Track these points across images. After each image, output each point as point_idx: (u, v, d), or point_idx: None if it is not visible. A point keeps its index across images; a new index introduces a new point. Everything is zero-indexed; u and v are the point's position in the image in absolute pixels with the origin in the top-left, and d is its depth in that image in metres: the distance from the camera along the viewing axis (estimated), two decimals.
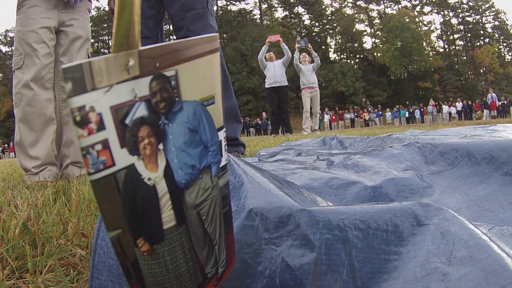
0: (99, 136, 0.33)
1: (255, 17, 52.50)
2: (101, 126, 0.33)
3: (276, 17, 53.51)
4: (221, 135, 0.42)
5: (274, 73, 8.20)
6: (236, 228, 0.42)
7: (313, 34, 50.96)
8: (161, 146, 0.37)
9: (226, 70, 2.34)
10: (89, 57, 2.34)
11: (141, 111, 0.35)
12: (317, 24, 52.31)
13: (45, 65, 2.23)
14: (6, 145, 32.36)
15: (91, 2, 2.55)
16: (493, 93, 26.35)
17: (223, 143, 0.43)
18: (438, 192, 0.87)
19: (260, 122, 29.41)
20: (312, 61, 8.57)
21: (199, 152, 0.40)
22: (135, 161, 0.36)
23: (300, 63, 8.53)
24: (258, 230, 0.42)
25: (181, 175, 0.39)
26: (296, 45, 8.58)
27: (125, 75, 0.33)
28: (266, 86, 8.38)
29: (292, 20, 52.70)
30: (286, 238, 0.41)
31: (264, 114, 29.79)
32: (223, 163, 0.43)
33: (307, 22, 52.79)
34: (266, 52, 8.48)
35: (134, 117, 0.35)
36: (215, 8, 2.24)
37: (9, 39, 47.89)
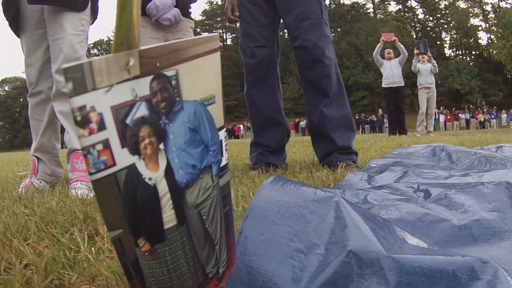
0: (100, 136, 0.33)
1: (368, 11, 51.09)
2: (101, 126, 0.33)
3: (389, 10, 51.65)
4: (222, 134, 0.42)
5: (392, 73, 7.99)
6: (337, 262, 0.55)
7: (428, 29, 48.84)
8: (161, 146, 0.37)
9: (341, 78, 2.31)
10: None
11: (141, 110, 0.35)
12: (431, 18, 49.97)
13: None
14: None
15: (192, 20, 2.74)
16: None
17: (224, 143, 0.43)
18: None
19: (375, 118, 28.65)
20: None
21: (200, 151, 0.40)
22: (136, 161, 0.36)
23: (419, 61, 8.27)
24: (353, 266, 0.55)
25: (181, 175, 0.39)
26: (415, 50, 8.37)
27: (126, 75, 0.33)
28: (384, 85, 8.19)
29: (405, 14, 50.51)
30: (372, 275, 0.55)
31: (380, 110, 28.77)
32: (223, 162, 0.43)
33: (421, 16, 50.64)
34: (383, 50, 8.25)
35: (135, 116, 0.35)
36: (327, 1, 2.19)
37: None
